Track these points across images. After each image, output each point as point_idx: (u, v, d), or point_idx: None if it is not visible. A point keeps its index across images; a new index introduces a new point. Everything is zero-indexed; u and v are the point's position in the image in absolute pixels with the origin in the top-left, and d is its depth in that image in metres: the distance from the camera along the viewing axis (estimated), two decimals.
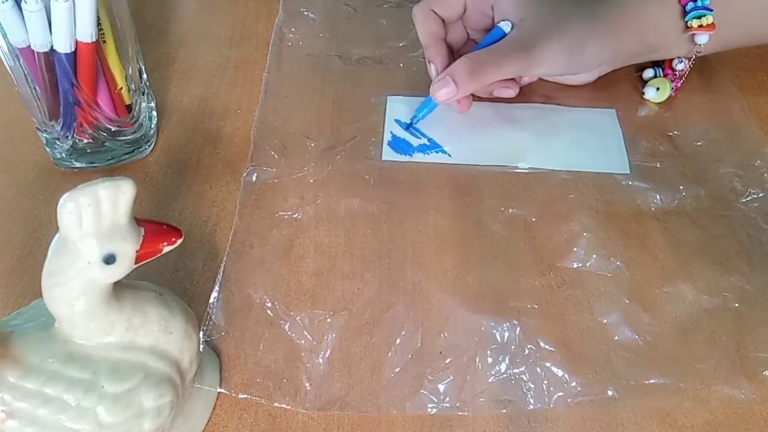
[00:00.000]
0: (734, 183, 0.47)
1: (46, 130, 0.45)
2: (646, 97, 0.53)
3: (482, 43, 0.48)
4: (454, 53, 0.50)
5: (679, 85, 0.53)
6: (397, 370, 0.38)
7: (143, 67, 0.47)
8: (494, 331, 0.39)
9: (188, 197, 0.46)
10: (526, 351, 0.38)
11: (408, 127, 0.51)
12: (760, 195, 0.46)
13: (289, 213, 0.45)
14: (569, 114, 0.52)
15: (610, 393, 0.37)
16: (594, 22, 0.47)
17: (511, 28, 0.47)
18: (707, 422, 0.36)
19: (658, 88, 0.53)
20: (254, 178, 0.47)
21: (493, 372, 0.38)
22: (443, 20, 0.50)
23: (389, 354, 0.38)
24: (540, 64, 0.47)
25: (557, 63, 0.47)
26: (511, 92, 0.51)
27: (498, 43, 0.47)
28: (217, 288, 0.41)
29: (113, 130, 0.46)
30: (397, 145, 0.49)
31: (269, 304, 0.40)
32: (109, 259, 0.27)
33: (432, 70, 0.49)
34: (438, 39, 0.50)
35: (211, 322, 0.39)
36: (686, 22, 0.48)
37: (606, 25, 0.47)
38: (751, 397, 0.37)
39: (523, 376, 0.37)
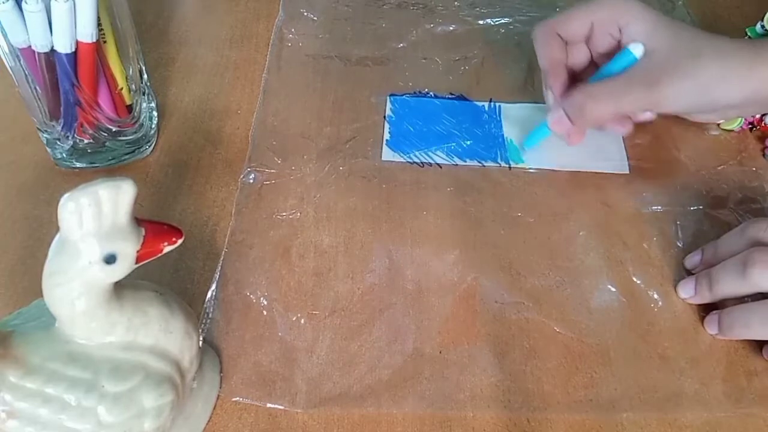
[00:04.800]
0: (733, 186, 0.47)
1: (46, 131, 0.45)
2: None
3: (608, 67, 0.45)
4: (574, 76, 0.48)
5: (756, 122, 0.49)
6: (396, 368, 0.38)
7: (144, 68, 0.47)
8: (493, 330, 0.39)
9: (189, 197, 0.46)
10: (525, 350, 0.38)
11: (518, 152, 0.49)
12: (759, 198, 0.46)
13: (289, 213, 0.45)
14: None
15: (608, 393, 0.37)
16: (728, 62, 0.43)
17: (644, 51, 0.44)
18: (707, 422, 0.36)
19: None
20: (252, 180, 0.47)
21: (491, 371, 0.38)
22: (566, 42, 0.47)
23: (388, 353, 0.38)
24: (664, 103, 0.43)
25: (683, 103, 0.44)
26: (624, 130, 0.47)
27: (620, 76, 0.44)
28: (214, 286, 0.41)
29: (114, 130, 0.46)
30: (397, 144, 0.50)
31: (268, 304, 0.40)
32: (110, 259, 0.27)
33: (549, 97, 0.47)
34: (559, 64, 0.47)
35: (208, 320, 0.39)
36: None
37: (741, 66, 0.43)
38: (750, 396, 0.37)
39: (521, 376, 0.37)
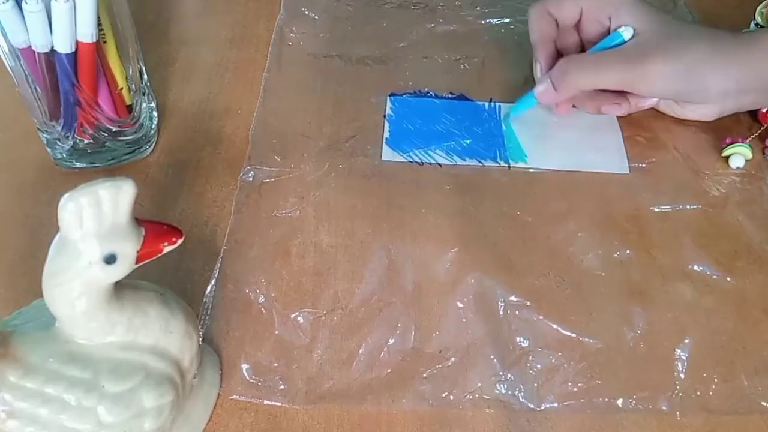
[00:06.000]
0: (733, 186, 0.47)
1: (46, 131, 0.45)
2: (732, 166, 0.48)
3: (596, 47, 0.46)
4: None
5: None
6: (395, 367, 0.38)
7: (144, 68, 0.47)
8: (492, 330, 0.39)
9: (189, 197, 0.46)
10: (523, 350, 0.38)
11: (504, 119, 0.50)
12: (759, 199, 0.46)
13: (288, 212, 0.45)
14: (569, 114, 0.52)
15: (608, 393, 0.37)
16: (719, 47, 0.43)
17: (632, 35, 0.45)
18: (707, 422, 0.36)
19: (747, 160, 0.48)
20: (252, 178, 0.47)
21: (491, 371, 0.38)
22: (557, 23, 0.48)
23: (387, 352, 0.38)
24: (648, 81, 0.43)
25: (668, 84, 0.44)
26: (620, 110, 0.47)
27: (608, 50, 0.45)
28: (212, 283, 0.41)
29: (114, 130, 0.46)
30: (396, 143, 0.50)
31: (268, 303, 0.40)
32: (110, 259, 0.27)
33: (537, 69, 0.48)
34: (548, 39, 0.48)
35: (208, 319, 0.39)
36: None
37: (732, 51, 0.43)
38: (750, 396, 0.37)
39: (520, 376, 0.37)
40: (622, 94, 0.47)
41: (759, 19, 0.53)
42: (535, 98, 0.48)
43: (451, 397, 0.37)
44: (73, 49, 0.40)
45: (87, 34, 0.40)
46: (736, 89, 0.45)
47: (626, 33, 0.45)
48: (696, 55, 0.43)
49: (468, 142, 0.50)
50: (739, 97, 0.46)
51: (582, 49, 0.50)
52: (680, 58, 0.43)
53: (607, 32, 0.47)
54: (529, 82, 0.54)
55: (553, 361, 0.38)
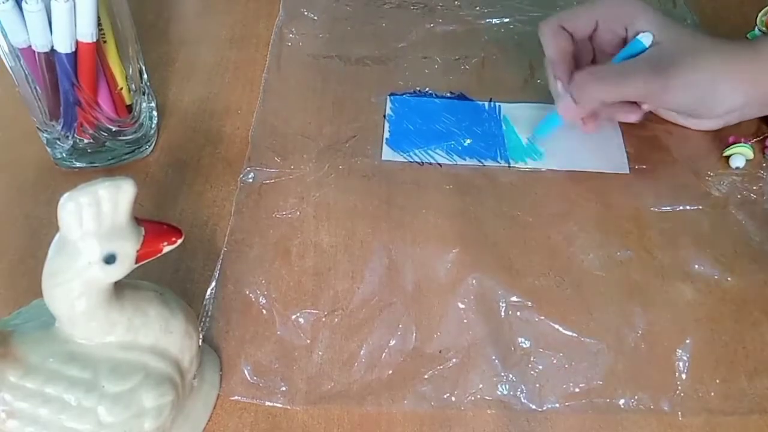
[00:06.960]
0: (734, 187, 0.47)
1: (46, 130, 0.45)
2: (732, 166, 0.48)
3: (619, 56, 0.46)
4: None
5: None
6: (395, 367, 0.38)
7: (143, 67, 0.47)
8: (493, 330, 0.39)
9: (188, 197, 0.46)
10: (524, 351, 0.38)
11: (529, 142, 0.49)
12: (759, 199, 0.46)
13: (288, 212, 0.45)
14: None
15: (608, 393, 0.37)
16: (728, 60, 0.43)
17: (652, 42, 0.44)
18: (707, 422, 0.36)
19: (747, 160, 0.48)
20: (252, 179, 0.47)
21: (491, 371, 0.38)
22: (572, 36, 0.47)
23: (387, 352, 0.38)
24: (667, 93, 0.43)
25: (686, 96, 0.44)
26: (634, 117, 0.46)
27: (628, 61, 0.44)
28: (213, 285, 0.41)
29: (114, 130, 0.46)
30: (396, 143, 0.50)
31: (268, 303, 0.40)
32: (110, 259, 0.27)
33: (559, 87, 0.47)
34: (567, 55, 0.47)
35: (208, 319, 0.39)
36: None
37: (741, 64, 0.43)
38: (750, 397, 0.37)
39: (521, 377, 0.37)
40: (634, 102, 0.47)
41: (759, 26, 0.53)
42: (558, 116, 0.47)
43: (453, 398, 0.37)
44: (73, 49, 0.40)
45: (87, 33, 0.40)
46: (743, 103, 0.45)
47: (646, 39, 0.44)
48: (712, 67, 0.43)
49: (468, 141, 0.50)
50: (743, 110, 0.46)
51: (594, 60, 0.49)
52: (699, 69, 0.43)
53: (623, 42, 0.46)
54: (529, 82, 0.54)
55: (554, 361, 0.38)
